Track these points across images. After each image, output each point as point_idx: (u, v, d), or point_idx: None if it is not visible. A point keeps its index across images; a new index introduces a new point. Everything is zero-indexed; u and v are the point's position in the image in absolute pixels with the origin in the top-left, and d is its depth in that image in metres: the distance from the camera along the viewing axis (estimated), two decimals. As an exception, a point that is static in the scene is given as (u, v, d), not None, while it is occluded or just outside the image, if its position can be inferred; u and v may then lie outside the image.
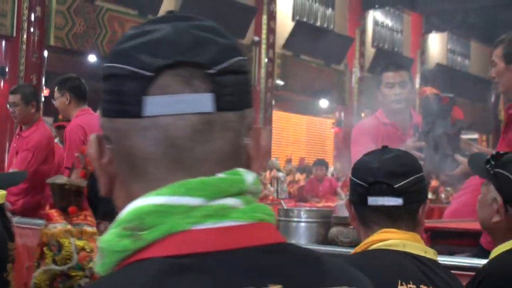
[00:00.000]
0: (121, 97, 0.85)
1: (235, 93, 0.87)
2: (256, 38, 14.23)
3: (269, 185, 10.92)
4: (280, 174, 12.57)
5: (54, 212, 2.49)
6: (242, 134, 0.87)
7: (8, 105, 5.34)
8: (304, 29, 15.23)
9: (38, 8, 10.47)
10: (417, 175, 1.92)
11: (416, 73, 18.11)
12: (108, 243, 0.81)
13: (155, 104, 0.84)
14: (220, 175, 0.83)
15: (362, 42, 17.12)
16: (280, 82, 14.69)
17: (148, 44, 0.87)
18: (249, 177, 0.85)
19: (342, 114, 17.10)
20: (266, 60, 14.41)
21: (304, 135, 18.64)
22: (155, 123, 0.84)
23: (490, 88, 22.27)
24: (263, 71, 14.38)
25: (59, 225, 2.44)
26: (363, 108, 17.17)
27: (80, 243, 2.42)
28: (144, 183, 0.85)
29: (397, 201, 1.90)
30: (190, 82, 0.84)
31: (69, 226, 2.45)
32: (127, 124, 0.85)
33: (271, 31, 14.50)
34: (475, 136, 19.05)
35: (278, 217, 3.53)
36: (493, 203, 2.18)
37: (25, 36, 10.39)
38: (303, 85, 15.22)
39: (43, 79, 10.54)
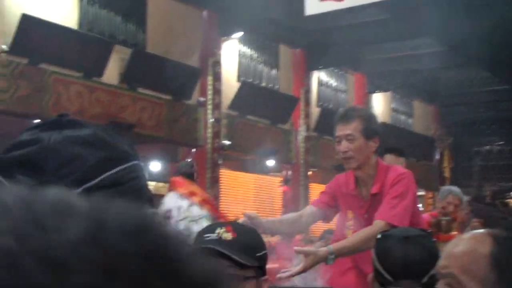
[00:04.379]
0: None
1: None
2: (202, 99, 14.31)
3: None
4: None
5: None
6: None
7: None
8: (249, 90, 15.37)
9: (-19, 71, 10.42)
10: None
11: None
12: None
13: None
14: None
15: (307, 102, 17.33)
16: (226, 142, 14.75)
17: (18, 160, 0.87)
18: None
19: (289, 172, 17.19)
20: (212, 120, 14.47)
21: (252, 194, 18.60)
22: None
23: (434, 145, 22.76)
24: (209, 131, 14.43)
25: None
26: (309, 167, 17.31)
27: None
28: None
29: None
30: None
31: None
32: None
33: (217, 91, 14.61)
34: (422, 193, 19.29)
35: None
36: None
37: (-33, 99, 10.31)
38: (250, 144, 15.31)
39: (-14, 142, 10.41)
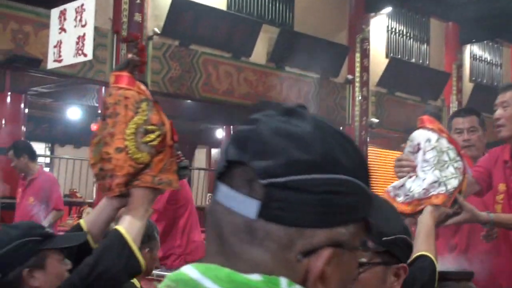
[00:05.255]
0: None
1: (289, 209, 0.85)
2: (350, 77, 14.20)
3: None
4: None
5: None
6: (293, 250, 0.86)
7: None
8: (398, 66, 15.09)
9: (135, 54, 10.79)
10: None
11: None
12: None
13: (219, 191, 0.90)
14: (255, 276, 0.84)
15: (459, 77, 16.77)
16: (374, 120, 14.57)
17: (237, 134, 0.91)
18: None
19: (440, 150, 16.75)
20: (360, 98, 14.33)
21: (402, 172, 18.30)
22: (215, 208, 0.90)
23: None
24: (357, 109, 14.31)
25: None
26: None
27: None
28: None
29: None
30: (251, 184, 0.86)
31: None
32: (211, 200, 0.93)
33: (365, 69, 14.44)
34: None
35: None
36: None
37: (123, 82, 10.71)
38: (399, 121, 15.04)
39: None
